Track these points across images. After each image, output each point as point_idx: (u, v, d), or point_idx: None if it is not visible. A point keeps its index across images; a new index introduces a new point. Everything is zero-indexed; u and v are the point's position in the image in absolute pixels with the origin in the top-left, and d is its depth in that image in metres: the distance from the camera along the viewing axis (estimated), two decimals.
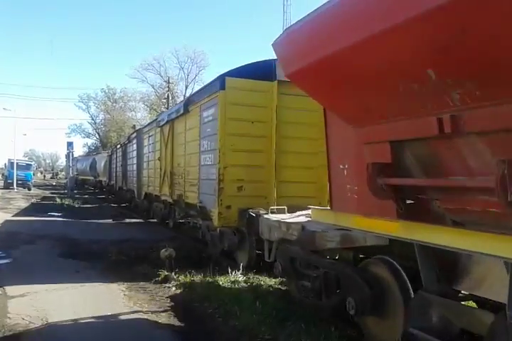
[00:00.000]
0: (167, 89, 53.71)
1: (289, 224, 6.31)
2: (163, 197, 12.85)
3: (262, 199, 8.42)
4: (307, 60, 4.75)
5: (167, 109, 39.59)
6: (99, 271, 8.34)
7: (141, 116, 61.98)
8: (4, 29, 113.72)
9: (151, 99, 60.51)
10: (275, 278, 7.51)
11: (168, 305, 6.38)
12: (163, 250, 8.40)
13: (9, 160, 43.48)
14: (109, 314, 5.87)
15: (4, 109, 43.54)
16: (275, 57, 5.63)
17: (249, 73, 8.47)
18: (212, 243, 9.53)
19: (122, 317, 5.82)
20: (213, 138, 8.59)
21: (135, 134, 18.32)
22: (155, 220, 16.09)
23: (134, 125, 44.13)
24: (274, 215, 7.20)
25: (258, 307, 5.84)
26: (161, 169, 12.90)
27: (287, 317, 5.49)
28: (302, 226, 5.98)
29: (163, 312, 6.05)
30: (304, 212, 7.16)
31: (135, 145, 17.83)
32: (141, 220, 16.89)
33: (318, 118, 8.96)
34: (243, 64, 8.70)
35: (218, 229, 9.02)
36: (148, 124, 16.63)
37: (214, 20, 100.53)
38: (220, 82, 8.34)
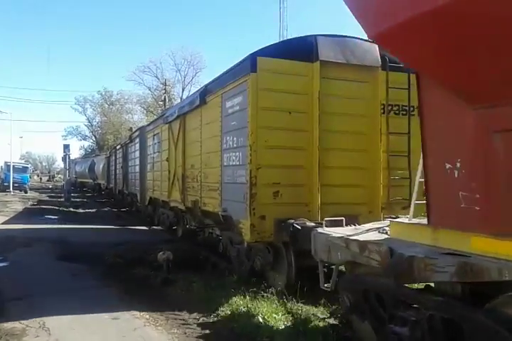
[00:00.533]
0: (164, 91, 52.61)
1: (363, 244, 4.48)
2: (172, 204, 10.90)
3: (303, 207, 6.62)
4: (411, 11, 3.06)
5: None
6: (96, 274, 7.98)
7: (138, 118, 60.70)
8: (1, 31, 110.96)
9: (147, 101, 59.36)
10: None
11: (165, 307, 6.10)
12: (161, 253, 8.08)
13: (5, 162, 42.07)
14: (106, 317, 5.62)
15: (0, 111, 41.78)
16: None
17: (285, 52, 6.65)
18: (237, 260, 7.66)
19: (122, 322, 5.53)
20: (241, 133, 6.74)
21: (137, 133, 16.27)
22: (160, 228, 14.15)
23: (131, 127, 43.05)
24: (331, 229, 5.37)
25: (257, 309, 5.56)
26: (169, 171, 10.96)
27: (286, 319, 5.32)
28: (389, 248, 4.13)
29: (159, 315, 5.81)
30: (373, 226, 5.36)
31: (138, 145, 15.78)
32: (144, 227, 14.89)
33: (368, 108, 7.21)
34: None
35: (245, 243, 7.16)
36: (153, 122, 14.60)
37: (211, 22, 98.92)
38: (251, 62, 6.49)
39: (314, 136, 6.61)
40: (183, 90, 55.92)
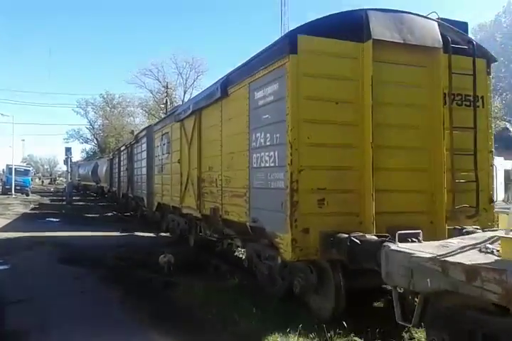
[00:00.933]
0: (165, 94, 51.46)
1: (473, 270, 3.21)
2: (185, 210, 9.52)
3: (353, 217, 5.32)
4: None
5: (165, 114, 36.49)
6: (98, 276, 7.71)
7: (140, 121, 59.69)
8: (3, 36, 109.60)
9: (149, 104, 58.42)
10: None
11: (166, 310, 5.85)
12: (162, 256, 7.96)
13: (7, 165, 41.04)
14: (107, 320, 5.48)
15: (2, 114, 40.67)
16: None
17: (329, 30, 5.36)
18: (267, 278, 6.32)
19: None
20: (277, 128, 5.43)
21: (144, 132, 14.83)
22: (168, 234, 12.79)
23: (133, 130, 42.29)
24: (407, 245, 4.09)
25: (257, 313, 5.32)
26: (181, 174, 9.60)
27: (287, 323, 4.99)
28: None
29: (160, 318, 5.56)
30: (465, 241, 4.08)
31: (144, 146, 14.34)
32: (151, 234, 13.53)
33: (428, 98, 5.86)
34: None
35: (279, 258, 5.86)
36: (162, 120, 13.21)
37: (212, 25, 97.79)
38: (290, 41, 5.19)
39: (366, 131, 5.30)
40: (184, 93, 55.27)
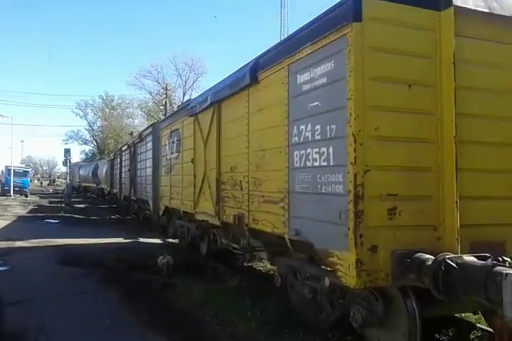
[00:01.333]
0: (165, 96, 50.52)
1: None
2: (200, 217, 8.15)
3: (430, 231, 4.08)
4: None
5: (165, 115, 35.21)
6: (96, 278, 7.59)
7: (139, 122, 58.37)
8: (3, 36, 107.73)
9: (148, 106, 57.30)
10: None
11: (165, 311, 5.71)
12: (161, 257, 7.81)
13: (6, 167, 40.18)
14: (106, 321, 5.31)
15: (1, 115, 39.38)
16: None
17: None
18: (311, 303, 5.02)
19: None
20: (332, 118, 4.18)
21: (150, 130, 13.41)
22: (176, 241, 11.48)
23: (132, 131, 41.27)
24: None
25: (256, 314, 5.14)
26: (195, 176, 8.26)
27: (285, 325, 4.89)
28: None
29: (160, 320, 5.38)
30: None
31: (150, 144, 12.94)
32: (158, 241, 12.21)
33: None
34: None
35: (326, 280, 4.60)
36: (170, 116, 11.82)
37: (212, 28, 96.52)
38: (354, 5, 3.92)
39: (447, 122, 4.05)
40: (184, 95, 54.06)
